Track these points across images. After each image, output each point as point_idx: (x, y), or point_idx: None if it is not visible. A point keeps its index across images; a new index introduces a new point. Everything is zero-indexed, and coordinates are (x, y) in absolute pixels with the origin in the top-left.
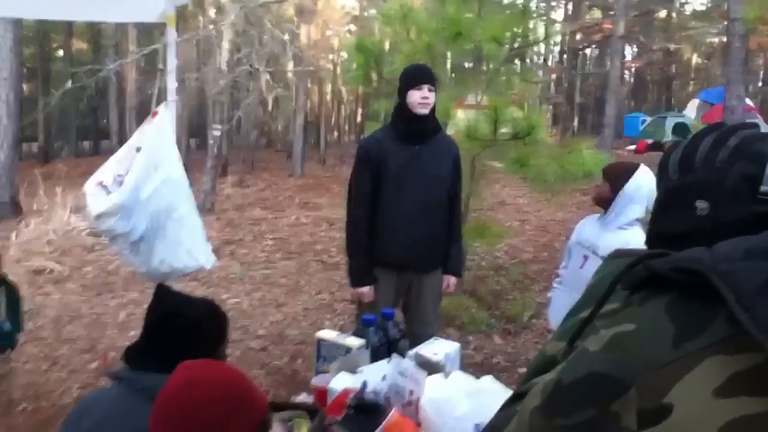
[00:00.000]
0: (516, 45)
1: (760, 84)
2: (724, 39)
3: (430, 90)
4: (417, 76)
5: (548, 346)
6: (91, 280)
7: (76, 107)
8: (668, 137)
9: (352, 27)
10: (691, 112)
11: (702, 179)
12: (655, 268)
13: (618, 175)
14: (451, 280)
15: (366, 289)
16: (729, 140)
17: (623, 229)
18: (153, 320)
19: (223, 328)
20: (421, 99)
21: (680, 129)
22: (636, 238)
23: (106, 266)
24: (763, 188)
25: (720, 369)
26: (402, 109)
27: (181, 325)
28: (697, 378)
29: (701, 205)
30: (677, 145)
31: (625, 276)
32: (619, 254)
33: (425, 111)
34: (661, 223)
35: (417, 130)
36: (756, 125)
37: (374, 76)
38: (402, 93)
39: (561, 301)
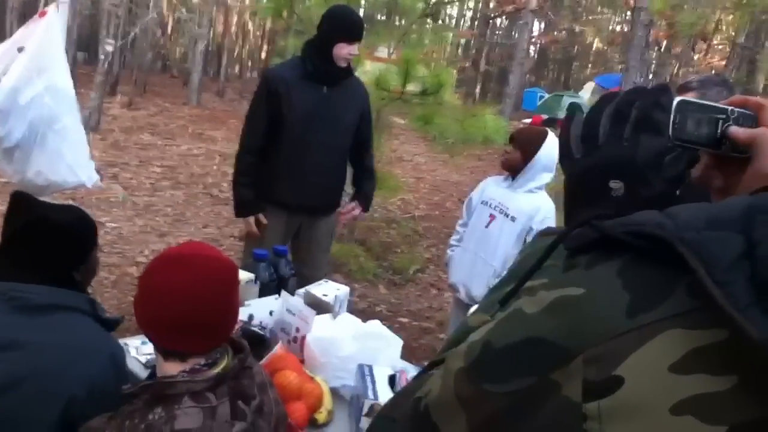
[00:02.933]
0: (432, 1)
1: (650, 76)
2: (627, 28)
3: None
4: (353, 31)
5: (471, 318)
6: None
7: None
8: (563, 114)
9: None
10: (586, 94)
11: (610, 158)
12: (607, 230)
13: (530, 142)
14: (356, 211)
15: (252, 219)
16: (629, 113)
17: (532, 192)
18: (16, 227)
19: (94, 232)
20: (349, 55)
21: (574, 109)
22: (546, 202)
23: None
24: (678, 135)
25: (678, 343)
26: (320, 52)
27: (50, 230)
28: (652, 351)
29: (615, 185)
30: (572, 119)
31: (568, 237)
32: (548, 233)
33: (346, 65)
34: (579, 209)
35: (330, 73)
36: (652, 90)
37: (285, 11)
38: (328, 39)
39: (462, 257)
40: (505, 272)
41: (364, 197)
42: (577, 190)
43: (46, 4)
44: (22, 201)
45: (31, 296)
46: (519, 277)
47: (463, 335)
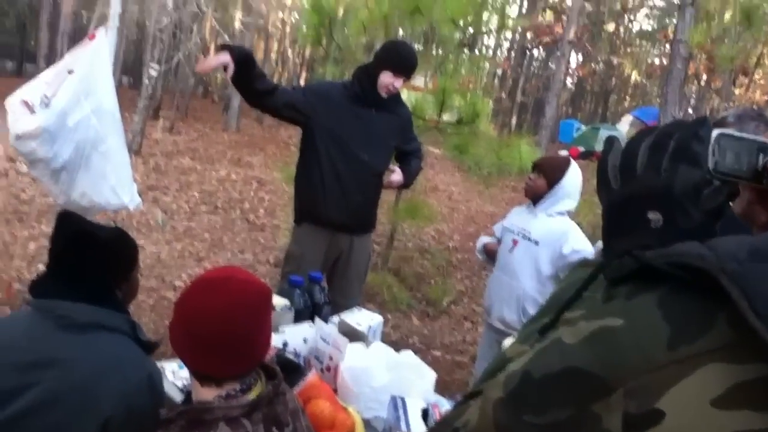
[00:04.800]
0: (470, 32)
1: (690, 111)
2: (665, 61)
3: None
4: (401, 64)
5: (509, 349)
6: (0, 207)
7: (2, 23)
8: (599, 147)
9: None
10: (624, 126)
11: (648, 188)
12: (648, 260)
13: (554, 169)
14: (397, 176)
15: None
16: (668, 144)
17: (552, 217)
18: (61, 245)
19: (135, 253)
20: (391, 87)
21: (612, 141)
22: (570, 225)
23: (19, 194)
24: (717, 167)
25: (720, 378)
26: (368, 76)
27: (94, 247)
28: (693, 385)
29: (654, 216)
30: (611, 149)
31: (608, 267)
32: (585, 263)
33: (386, 95)
34: (617, 241)
35: (374, 97)
36: (690, 122)
37: (324, 39)
38: (378, 66)
39: (491, 282)
40: (534, 294)
41: (407, 170)
42: (615, 220)
43: (94, 27)
44: (68, 219)
45: (76, 315)
46: (557, 307)
47: (501, 366)
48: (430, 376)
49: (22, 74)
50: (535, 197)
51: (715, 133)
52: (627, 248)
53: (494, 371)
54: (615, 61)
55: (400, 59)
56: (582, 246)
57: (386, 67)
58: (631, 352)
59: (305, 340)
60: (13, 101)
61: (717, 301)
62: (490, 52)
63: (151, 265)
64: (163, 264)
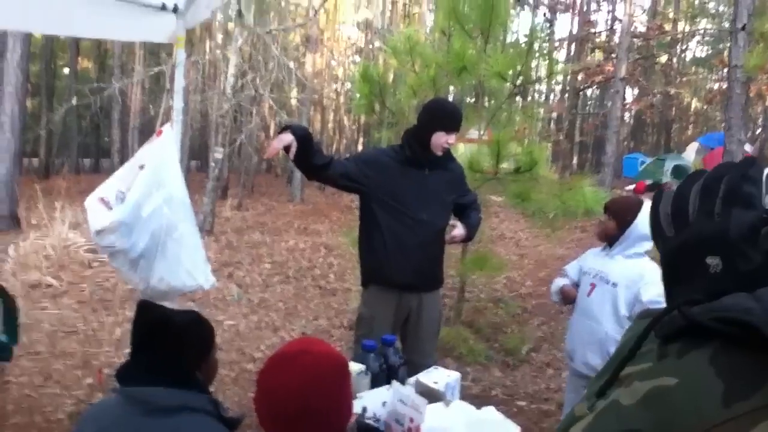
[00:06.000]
0: (518, 82)
1: (758, 131)
2: (724, 85)
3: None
4: (451, 121)
5: (577, 406)
6: (87, 296)
7: (78, 124)
8: (667, 179)
9: (357, 58)
10: (690, 155)
11: (703, 235)
12: (695, 318)
13: (624, 211)
14: (459, 231)
15: (286, 137)
16: (718, 188)
17: (631, 258)
18: (141, 334)
19: (212, 335)
20: (446, 144)
21: (679, 171)
22: (648, 266)
23: (103, 283)
24: (767, 206)
25: None
26: (419, 139)
27: (172, 334)
28: None
29: (713, 261)
30: (661, 197)
31: (659, 324)
32: (647, 314)
33: (442, 153)
34: (679, 288)
35: (428, 158)
36: (739, 163)
37: (377, 106)
38: (427, 128)
39: (572, 327)
40: (616, 336)
41: (468, 223)
42: (673, 268)
43: (163, 122)
44: (146, 309)
45: (159, 399)
46: (615, 365)
47: (571, 423)
48: (514, 430)
49: (99, 170)
50: (607, 239)
51: (766, 171)
52: (689, 297)
53: (564, 429)
54: (671, 91)
55: (448, 117)
56: (660, 293)
57: (437, 127)
58: (686, 411)
59: (384, 404)
60: (91, 200)
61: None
62: (543, 97)
63: (230, 339)
64: (242, 337)
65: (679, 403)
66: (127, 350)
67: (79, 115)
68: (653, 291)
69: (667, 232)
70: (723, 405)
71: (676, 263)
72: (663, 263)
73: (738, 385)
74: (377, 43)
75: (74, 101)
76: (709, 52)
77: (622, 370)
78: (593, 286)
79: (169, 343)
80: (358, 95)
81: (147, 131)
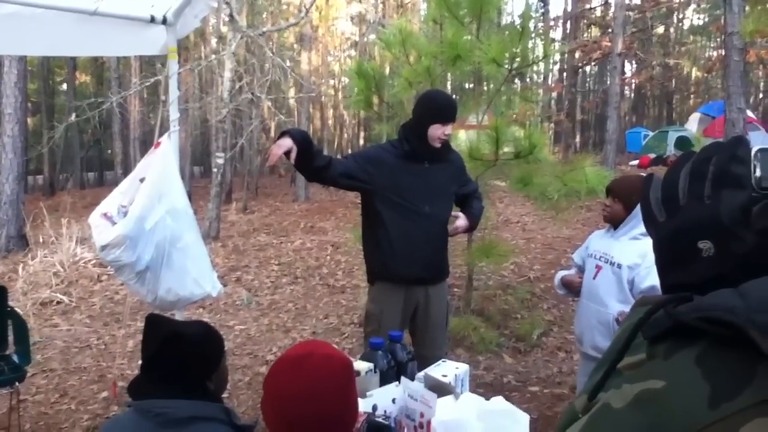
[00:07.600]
0: (515, 65)
1: (761, 96)
2: (723, 53)
3: (452, 125)
4: (446, 113)
5: (577, 401)
6: (98, 311)
7: (80, 139)
8: (671, 151)
9: (352, 52)
10: (692, 125)
11: (694, 219)
12: (680, 318)
13: (629, 192)
14: (462, 222)
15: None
16: (706, 170)
17: (637, 239)
18: (153, 348)
19: (221, 344)
20: (443, 135)
21: (683, 143)
22: (650, 247)
23: (113, 296)
24: (762, 183)
25: None
26: (416, 133)
27: (181, 348)
28: None
29: (705, 245)
30: (650, 183)
31: (646, 324)
32: (644, 301)
33: (440, 145)
34: (673, 274)
35: (427, 151)
36: (727, 143)
37: (375, 100)
38: (423, 121)
39: (580, 310)
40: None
41: (470, 213)
42: (666, 254)
43: (161, 133)
44: (155, 322)
45: (172, 410)
46: (609, 360)
47: (569, 421)
48: (524, 420)
49: (104, 183)
50: (614, 222)
51: (754, 149)
52: (684, 282)
53: (565, 426)
54: (671, 62)
55: (442, 108)
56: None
57: (432, 120)
58: (675, 414)
59: (394, 401)
60: (94, 217)
61: (754, 353)
62: (541, 77)
63: (241, 343)
64: (254, 340)
65: (667, 407)
66: (141, 362)
67: (80, 130)
68: (652, 278)
69: (658, 218)
70: (710, 407)
71: (669, 249)
72: (656, 249)
73: (724, 386)
74: (372, 36)
75: (73, 117)
76: (707, 19)
77: (613, 369)
78: (599, 268)
79: (180, 356)
80: (355, 90)
81: (148, 141)
